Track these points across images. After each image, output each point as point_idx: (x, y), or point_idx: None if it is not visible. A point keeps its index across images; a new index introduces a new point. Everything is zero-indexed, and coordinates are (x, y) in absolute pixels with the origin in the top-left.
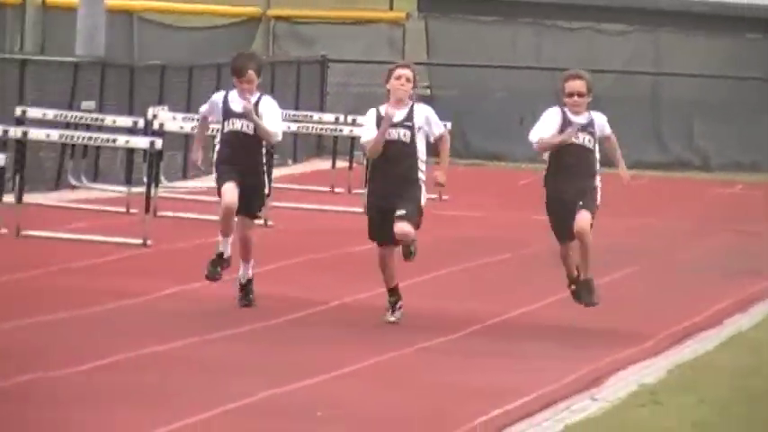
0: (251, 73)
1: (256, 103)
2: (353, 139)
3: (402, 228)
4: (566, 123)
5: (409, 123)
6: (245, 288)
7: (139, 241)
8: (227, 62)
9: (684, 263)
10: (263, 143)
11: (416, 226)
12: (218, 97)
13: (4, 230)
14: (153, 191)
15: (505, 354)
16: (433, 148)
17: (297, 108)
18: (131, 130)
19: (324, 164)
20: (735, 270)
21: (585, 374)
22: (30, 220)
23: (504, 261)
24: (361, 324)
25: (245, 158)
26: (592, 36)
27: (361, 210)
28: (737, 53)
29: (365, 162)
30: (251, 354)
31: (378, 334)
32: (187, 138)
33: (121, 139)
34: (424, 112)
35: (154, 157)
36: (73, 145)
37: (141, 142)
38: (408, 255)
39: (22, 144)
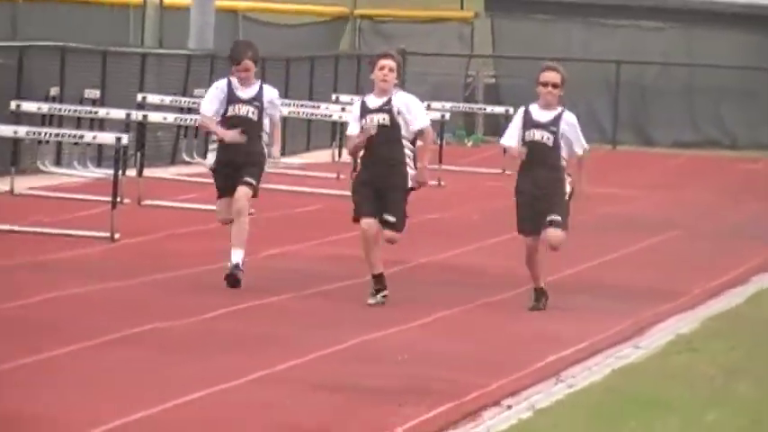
0: (247, 61)
1: (260, 92)
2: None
3: (392, 236)
4: (527, 123)
5: (388, 109)
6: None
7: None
8: (320, 55)
9: (715, 229)
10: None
11: (403, 227)
12: (221, 84)
13: (128, 200)
14: (120, 178)
15: (559, 308)
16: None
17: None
18: None
19: None
20: (760, 235)
21: (629, 326)
22: (149, 191)
23: None
24: (432, 282)
25: (247, 144)
26: (634, 32)
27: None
28: (762, 47)
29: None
30: (340, 308)
31: (445, 292)
32: (285, 120)
33: (88, 135)
34: (404, 99)
35: (120, 151)
36: (186, 126)
37: (107, 137)
38: (398, 229)
39: (142, 126)
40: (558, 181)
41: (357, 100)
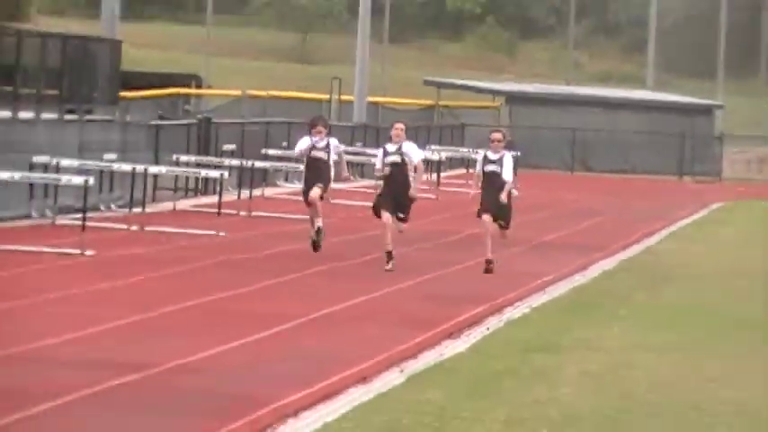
0: (320, 126)
1: (328, 143)
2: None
3: (403, 227)
4: (486, 161)
5: (399, 152)
6: (319, 233)
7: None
8: (421, 125)
9: (624, 216)
10: (330, 164)
11: (407, 221)
12: (306, 139)
13: (243, 213)
14: (85, 218)
15: (541, 257)
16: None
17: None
18: None
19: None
20: (645, 219)
21: (580, 264)
22: (256, 206)
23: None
24: (467, 245)
25: (317, 173)
26: (583, 112)
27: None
28: (651, 119)
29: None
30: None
31: (475, 249)
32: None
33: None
34: (408, 147)
35: (85, 191)
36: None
37: (76, 179)
38: (405, 216)
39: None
40: (501, 191)
41: (381, 147)
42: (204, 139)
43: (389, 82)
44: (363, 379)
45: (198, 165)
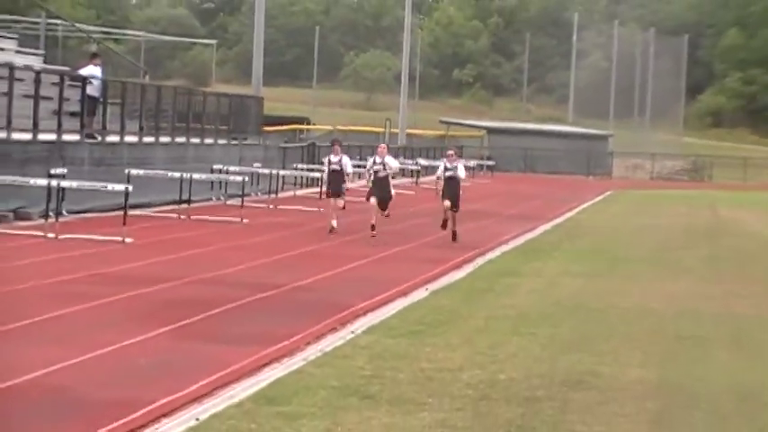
0: (336, 146)
1: (341, 159)
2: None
3: (386, 213)
4: (445, 168)
5: (382, 163)
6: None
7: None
8: (437, 147)
9: (557, 198)
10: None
11: (389, 206)
12: (328, 157)
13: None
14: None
15: (506, 223)
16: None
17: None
18: None
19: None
20: (524, 218)
21: (529, 227)
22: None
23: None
24: (438, 221)
25: (382, 182)
26: (532, 139)
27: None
28: (570, 143)
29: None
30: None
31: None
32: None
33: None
34: (388, 159)
35: (243, 185)
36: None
37: (238, 178)
38: (384, 209)
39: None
40: (458, 188)
41: (371, 158)
42: (311, 155)
43: (418, 121)
44: (404, 293)
45: (308, 169)
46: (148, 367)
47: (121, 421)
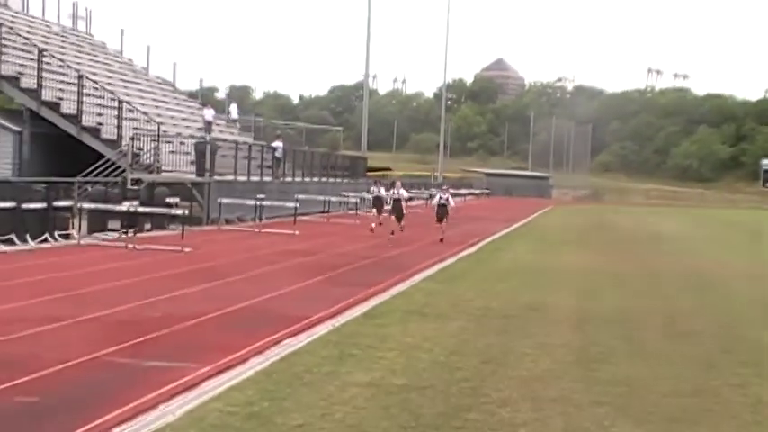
0: (398, 182)
1: (380, 189)
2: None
3: (401, 225)
4: (439, 198)
5: (398, 193)
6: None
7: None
8: (455, 184)
9: (521, 211)
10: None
11: (403, 218)
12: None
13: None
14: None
15: (491, 225)
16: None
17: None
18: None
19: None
20: (506, 220)
21: (506, 226)
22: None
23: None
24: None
25: (397, 204)
26: (511, 180)
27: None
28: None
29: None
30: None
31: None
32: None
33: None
34: (401, 191)
35: (357, 204)
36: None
37: (353, 200)
38: (400, 220)
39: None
40: (446, 211)
41: (392, 189)
42: (388, 187)
43: (449, 170)
44: (441, 261)
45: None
46: (309, 299)
47: (296, 326)
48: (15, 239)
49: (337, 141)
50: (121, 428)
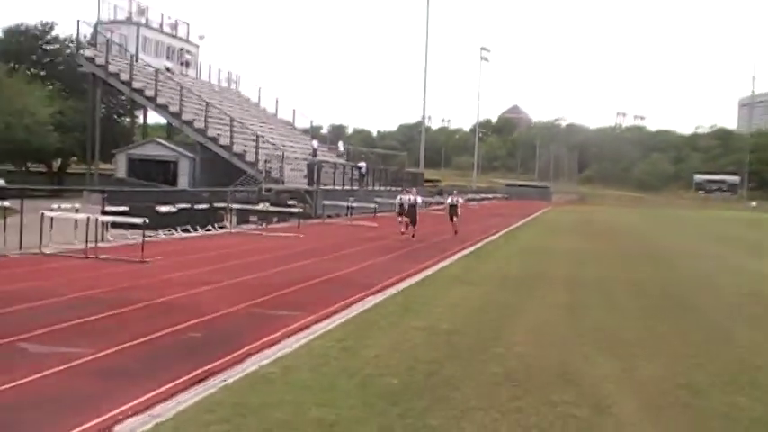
0: (405, 190)
1: (409, 196)
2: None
3: (413, 228)
4: (451, 201)
5: (413, 198)
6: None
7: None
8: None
9: (526, 210)
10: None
11: (416, 222)
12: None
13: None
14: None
15: (499, 222)
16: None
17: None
18: None
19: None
20: (519, 216)
21: (512, 223)
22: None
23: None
24: (448, 227)
25: (410, 208)
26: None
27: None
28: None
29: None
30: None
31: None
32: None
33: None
34: (415, 196)
35: (350, 207)
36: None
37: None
38: (413, 223)
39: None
40: (457, 211)
41: (406, 195)
42: (439, 193)
43: (479, 179)
44: (471, 245)
45: (435, 201)
46: (382, 270)
47: (372, 289)
48: (189, 229)
49: (403, 162)
50: (257, 356)
